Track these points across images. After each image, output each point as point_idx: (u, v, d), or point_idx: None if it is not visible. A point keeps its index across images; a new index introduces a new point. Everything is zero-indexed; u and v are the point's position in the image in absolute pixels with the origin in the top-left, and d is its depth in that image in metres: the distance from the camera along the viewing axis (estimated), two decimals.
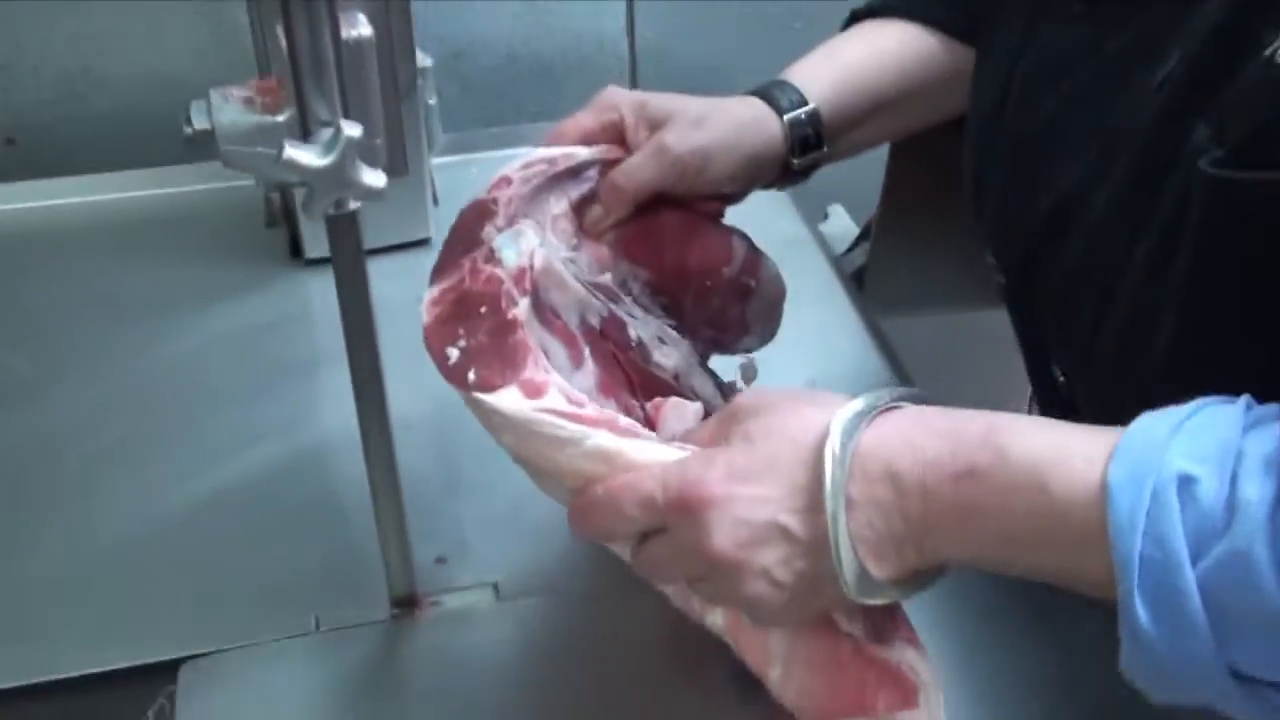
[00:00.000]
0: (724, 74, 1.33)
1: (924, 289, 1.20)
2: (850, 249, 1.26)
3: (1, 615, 0.81)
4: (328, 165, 0.55)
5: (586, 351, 0.71)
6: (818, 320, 1.05)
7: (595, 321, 0.74)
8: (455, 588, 0.83)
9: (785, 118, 0.81)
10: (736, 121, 0.79)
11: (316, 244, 1.10)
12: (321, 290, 1.07)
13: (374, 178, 0.57)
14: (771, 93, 0.82)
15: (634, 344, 0.75)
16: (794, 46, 0.88)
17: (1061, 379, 0.77)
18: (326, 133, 0.56)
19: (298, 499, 0.90)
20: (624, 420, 0.63)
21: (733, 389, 0.82)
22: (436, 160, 1.21)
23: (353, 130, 0.55)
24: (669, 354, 0.77)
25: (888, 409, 0.59)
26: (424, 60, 1.07)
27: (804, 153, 0.82)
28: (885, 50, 0.87)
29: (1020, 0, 0.79)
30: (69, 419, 0.96)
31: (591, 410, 0.62)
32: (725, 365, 0.84)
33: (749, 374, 0.84)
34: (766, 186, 0.84)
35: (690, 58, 1.33)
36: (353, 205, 0.59)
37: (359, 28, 0.58)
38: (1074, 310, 0.69)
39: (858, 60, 0.86)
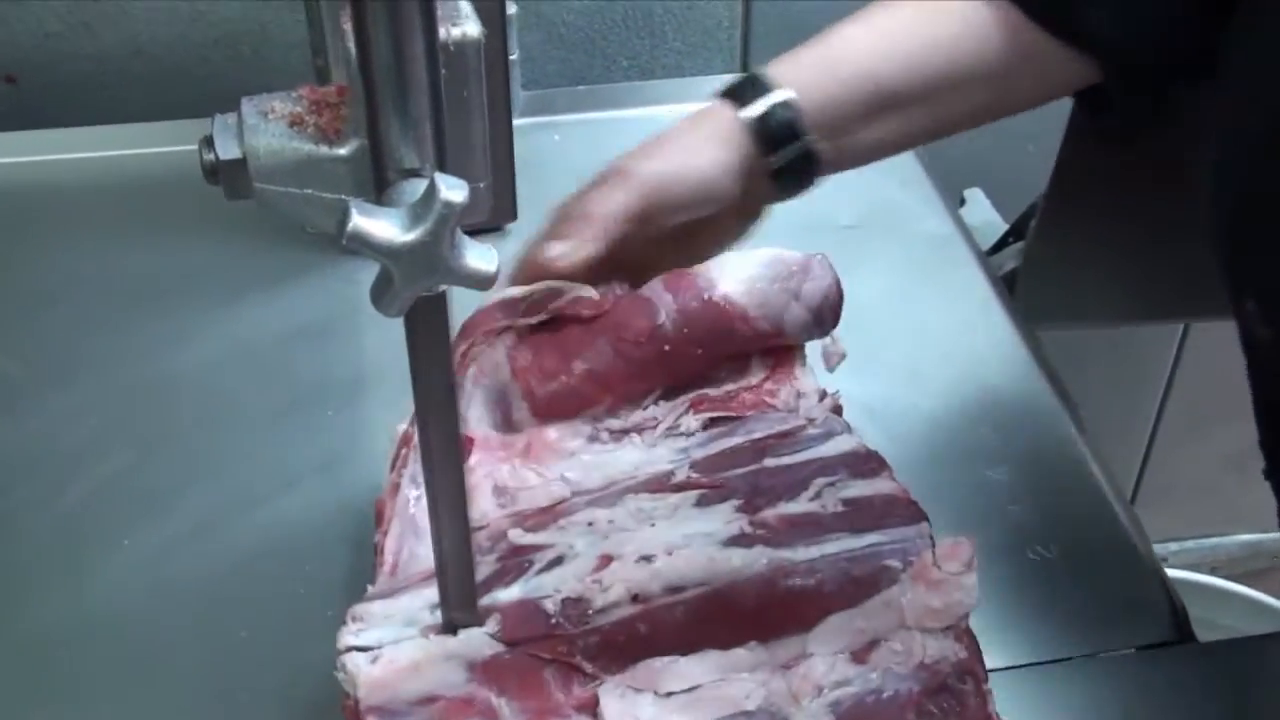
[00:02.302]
0: None
1: (1088, 300, 1.03)
2: (997, 247, 1.06)
3: None
4: (415, 242, 0.36)
5: None
6: (967, 335, 0.91)
7: (489, 649, 0.59)
8: None
9: (742, 113, 0.70)
10: (696, 129, 0.70)
11: None
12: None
13: (481, 259, 0.37)
14: (736, 87, 0.72)
15: (555, 614, 0.60)
16: None
17: None
18: (412, 188, 0.37)
19: (340, 570, 0.74)
20: None
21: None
22: (515, 123, 1.02)
23: (455, 193, 0.36)
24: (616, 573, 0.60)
25: None
26: (509, 7, 0.88)
27: (777, 148, 0.70)
28: (895, 31, 0.73)
29: None
30: (59, 441, 0.83)
31: None
32: None
33: (832, 360, 0.72)
34: (775, 198, 0.73)
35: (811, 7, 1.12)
36: (443, 286, 0.40)
37: (464, 23, 0.38)
38: None
39: (853, 45, 0.73)
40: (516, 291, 0.68)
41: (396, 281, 0.37)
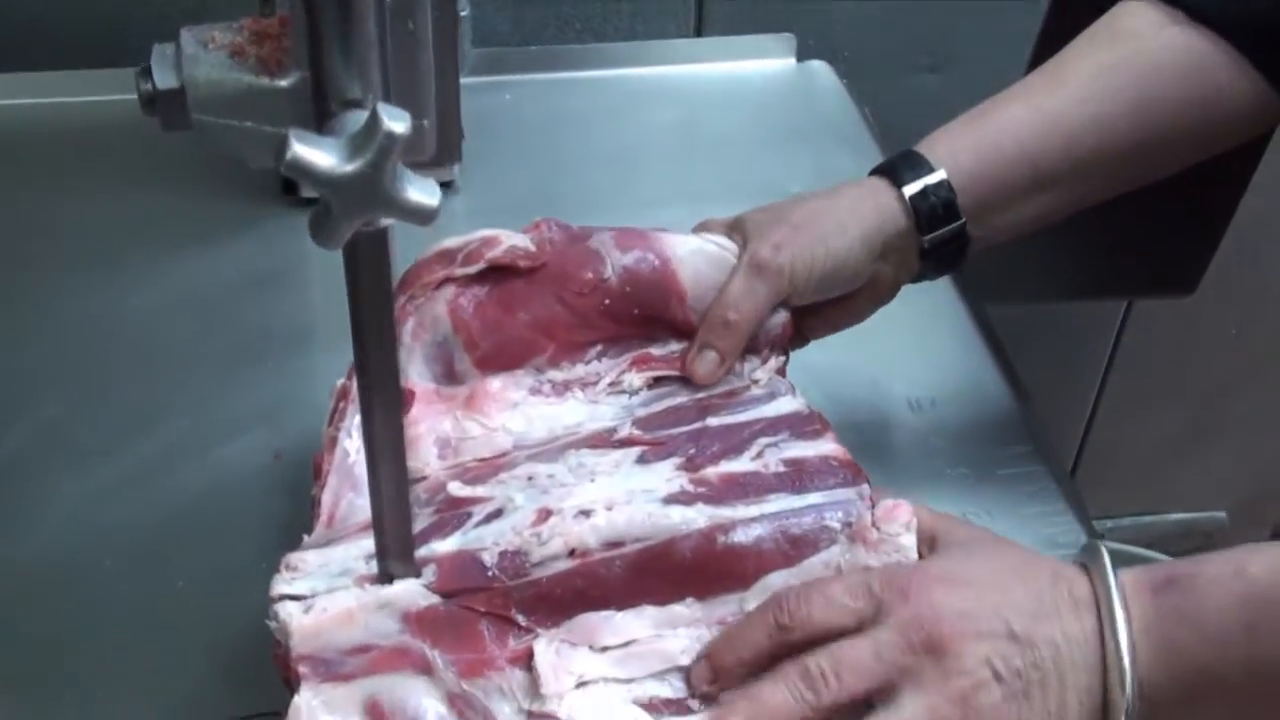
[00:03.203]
0: None
1: (1032, 276, 1.04)
2: None
3: None
4: (355, 173, 0.36)
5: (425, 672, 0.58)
6: (914, 307, 0.87)
7: (423, 599, 0.59)
8: None
9: (904, 189, 0.70)
10: (847, 203, 0.71)
11: None
12: None
13: (424, 192, 0.37)
14: (891, 164, 0.72)
15: (492, 566, 0.60)
16: None
17: None
18: (354, 119, 0.37)
19: (279, 520, 0.73)
20: None
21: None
22: (464, 81, 1.01)
23: (397, 123, 0.35)
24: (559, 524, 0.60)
25: None
26: None
27: (933, 228, 0.70)
28: (1056, 111, 0.72)
29: None
30: None
31: None
32: None
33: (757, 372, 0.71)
34: (917, 278, 0.74)
35: None
36: (385, 222, 0.39)
37: None
38: None
39: (1013, 124, 0.72)
40: (452, 242, 0.68)
41: (336, 213, 0.37)
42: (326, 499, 0.64)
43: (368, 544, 0.60)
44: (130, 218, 0.93)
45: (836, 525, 0.60)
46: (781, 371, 0.71)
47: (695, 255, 0.69)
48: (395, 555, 0.59)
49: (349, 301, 0.46)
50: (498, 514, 0.61)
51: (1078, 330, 1.44)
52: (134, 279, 0.88)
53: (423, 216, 0.38)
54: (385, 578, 0.59)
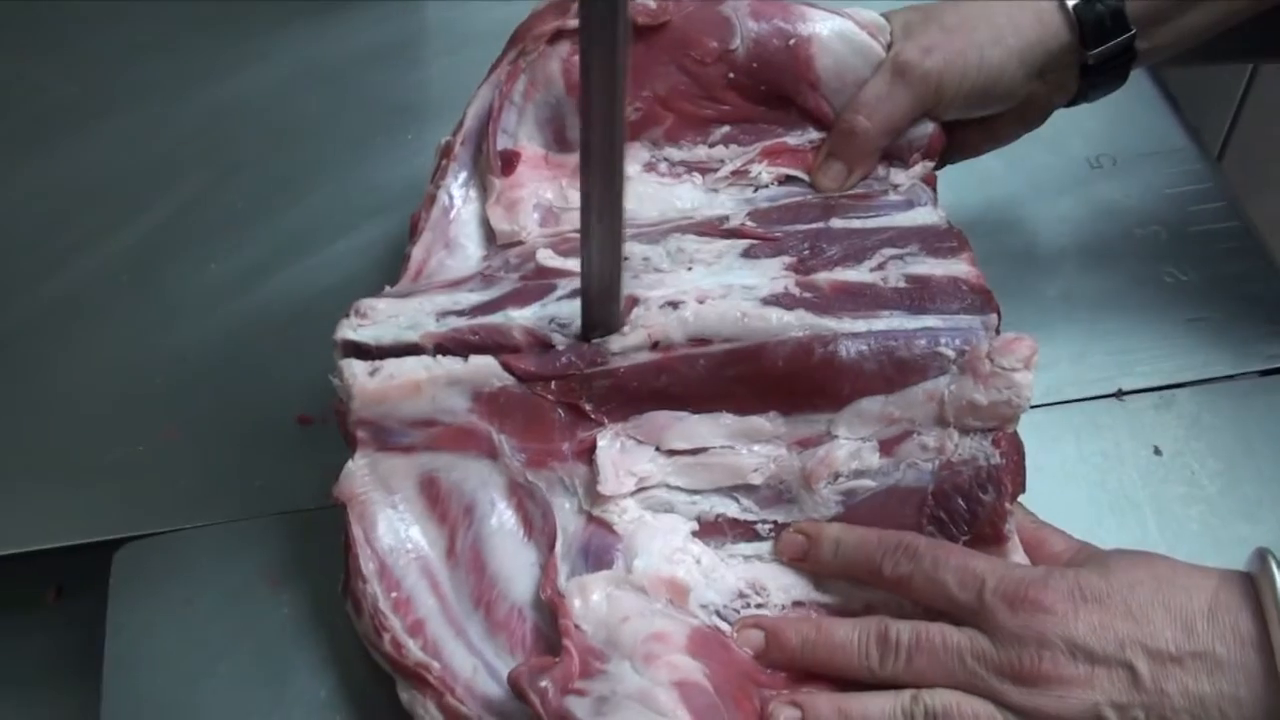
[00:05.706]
0: None
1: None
2: None
3: None
4: None
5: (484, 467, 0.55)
6: None
7: (497, 380, 0.55)
8: None
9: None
10: (1004, 13, 0.62)
11: None
12: (440, 11, 0.82)
13: None
14: None
15: (569, 352, 0.55)
16: None
17: None
18: None
19: None
20: None
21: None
22: None
23: None
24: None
25: None
26: None
27: (1100, 42, 0.62)
28: None
29: None
30: (132, 163, 0.78)
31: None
32: None
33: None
34: (1072, 101, 0.66)
35: None
36: None
37: None
38: None
39: None
40: None
41: None
42: (417, 253, 0.61)
43: (444, 300, 0.57)
44: None
45: (950, 354, 0.53)
46: (929, 181, 0.63)
47: (839, 39, 0.62)
48: (600, 311, 0.55)
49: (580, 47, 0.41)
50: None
51: (1191, 103, 1.37)
52: (249, 53, 0.83)
53: None
54: (586, 334, 0.55)
